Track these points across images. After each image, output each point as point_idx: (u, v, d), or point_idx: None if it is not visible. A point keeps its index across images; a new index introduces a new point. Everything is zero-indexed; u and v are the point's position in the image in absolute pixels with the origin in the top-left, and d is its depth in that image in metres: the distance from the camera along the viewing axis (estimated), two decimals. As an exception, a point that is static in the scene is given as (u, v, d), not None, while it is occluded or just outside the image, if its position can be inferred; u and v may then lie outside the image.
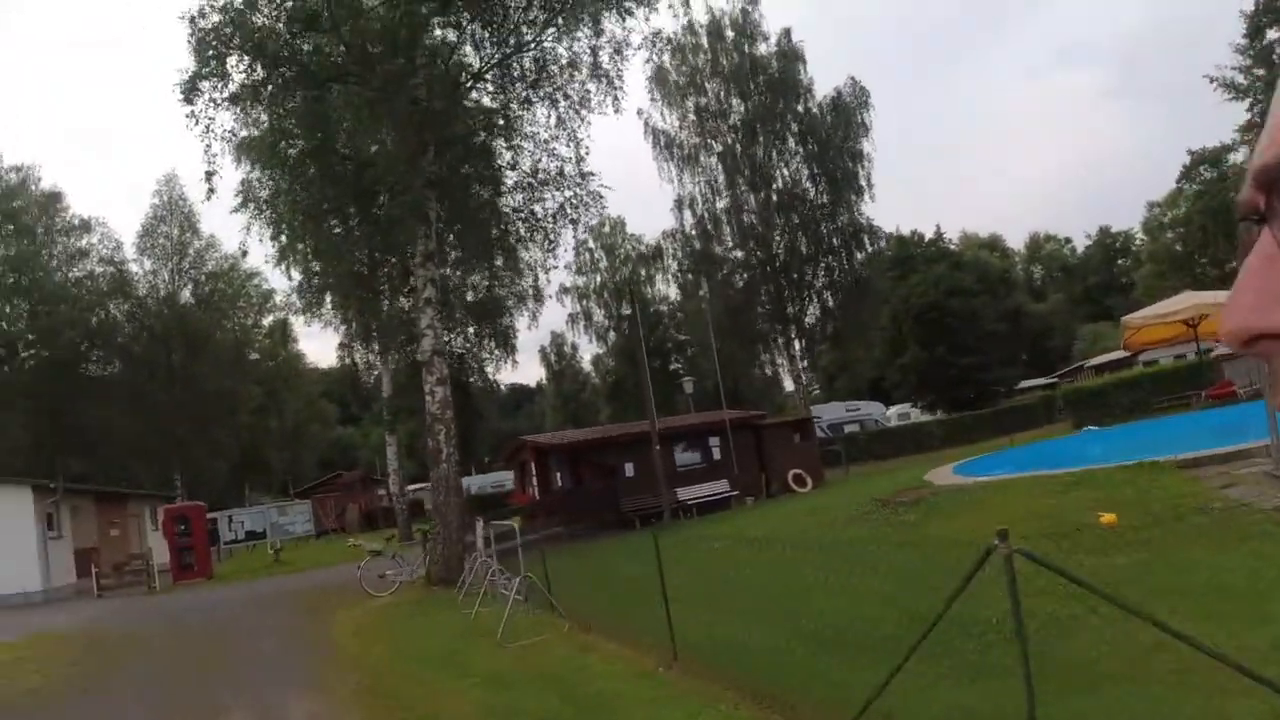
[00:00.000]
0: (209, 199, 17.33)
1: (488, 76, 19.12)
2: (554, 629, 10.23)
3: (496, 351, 33.55)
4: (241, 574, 27.03)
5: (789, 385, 43.72)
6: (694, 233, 39.76)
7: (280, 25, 17.37)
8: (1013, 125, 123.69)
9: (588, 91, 18.88)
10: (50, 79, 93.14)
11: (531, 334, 63.04)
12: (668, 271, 51.09)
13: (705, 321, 33.11)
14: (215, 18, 16.83)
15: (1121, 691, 5.50)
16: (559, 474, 25.10)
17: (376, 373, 35.91)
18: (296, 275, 32.41)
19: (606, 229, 52.80)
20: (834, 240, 38.41)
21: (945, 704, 5.90)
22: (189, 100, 16.85)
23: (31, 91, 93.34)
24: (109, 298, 46.80)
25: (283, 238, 26.97)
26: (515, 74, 18.77)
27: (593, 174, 19.00)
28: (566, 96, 18.69)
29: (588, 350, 62.47)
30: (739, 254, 39.47)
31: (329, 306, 32.72)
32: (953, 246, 68.03)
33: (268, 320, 52.86)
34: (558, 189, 19.10)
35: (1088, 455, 17.03)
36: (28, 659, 13.12)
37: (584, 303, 55.40)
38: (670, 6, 31.26)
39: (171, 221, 47.63)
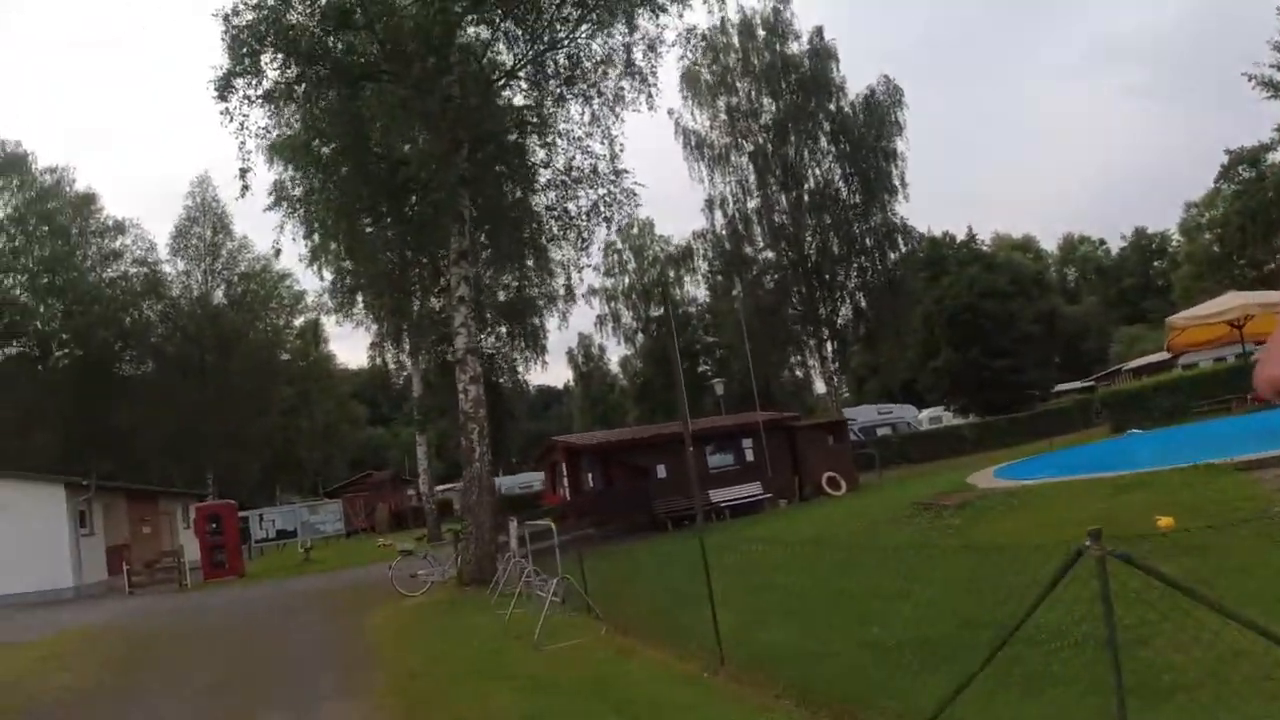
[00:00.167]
0: (243, 196, 17.33)
1: (521, 74, 18.98)
2: (591, 632, 10.00)
3: (526, 352, 33.55)
4: (272, 572, 27.08)
5: (819, 387, 43.32)
6: (725, 233, 39.50)
7: (313, 23, 17.33)
8: (1046, 124, 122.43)
9: (621, 88, 18.70)
10: (80, 80, 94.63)
11: (560, 335, 62.96)
12: (697, 273, 50.84)
13: (737, 322, 32.76)
14: (249, 15, 16.83)
15: (1206, 699, 5.18)
16: (590, 475, 24.91)
17: (407, 373, 35.97)
18: (328, 275, 32.61)
19: (635, 230, 52.68)
20: (866, 240, 37.97)
21: (1012, 716, 5.60)
22: (223, 97, 16.85)
23: (63, 91, 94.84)
24: (142, 298, 47.31)
25: (315, 237, 27.07)
26: (549, 71, 18.62)
27: (626, 171, 18.83)
28: (600, 93, 18.52)
29: (615, 352, 62.38)
30: (770, 254, 39.15)
31: (360, 306, 32.82)
32: (985, 248, 67.25)
33: (299, 321, 53.26)
34: (591, 187, 18.95)
35: (1134, 459, 16.53)
36: (58, 656, 13.10)
37: (612, 304, 55.29)
38: (705, 2, 30.93)
39: (204, 223, 48.09)
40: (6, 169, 44.92)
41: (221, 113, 16.92)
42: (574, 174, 18.93)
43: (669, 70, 40.50)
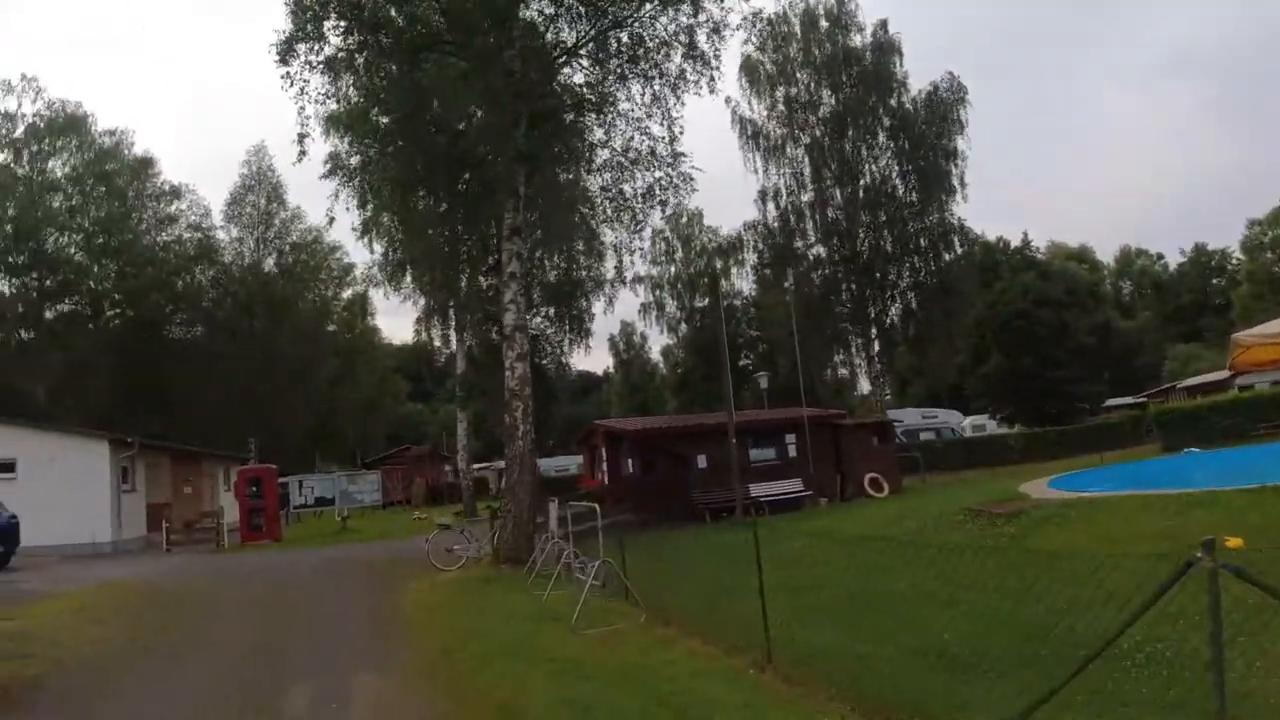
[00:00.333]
0: (300, 161, 17.27)
1: (583, 51, 18.71)
2: (629, 618, 9.76)
3: (570, 334, 33.40)
4: (309, 539, 27.25)
5: (863, 387, 42.65)
6: (776, 225, 38.93)
7: (378, -10, 17.20)
8: (1107, 132, 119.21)
9: (683, 69, 18.35)
10: (161, 47, 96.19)
11: (603, 321, 62.78)
12: (745, 265, 50.25)
13: (786, 316, 32.25)
14: (313, -21, 16.71)
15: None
16: (630, 461, 24.68)
17: (451, 350, 36.00)
18: (379, 248, 32.69)
19: (684, 219, 52.18)
20: (921, 240, 37.20)
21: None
22: (284, 61, 16.77)
23: (125, 50, 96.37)
24: (195, 263, 48.03)
25: (368, 208, 27.08)
26: (611, 49, 18.32)
27: (684, 155, 18.49)
28: (662, 74, 18.17)
29: (657, 341, 62.02)
30: (821, 250, 38.55)
31: (409, 280, 32.89)
32: (1039, 255, 65.85)
33: (347, 294, 53.70)
34: (647, 169, 18.63)
35: (1193, 477, 16.07)
36: (92, 610, 13.18)
37: (657, 293, 54.88)
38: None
39: (259, 191, 48.70)
40: (67, 129, 45.68)
41: (282, 77, 16.89)
42: (631, 155, 18.65)
43: (728, 58, 40.00)
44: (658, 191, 18.77)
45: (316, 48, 17.08)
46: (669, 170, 18.50)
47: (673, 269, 55.08)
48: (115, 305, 47.07)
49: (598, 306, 33.50)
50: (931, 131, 36.59)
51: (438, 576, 15.09)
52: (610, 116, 18.50)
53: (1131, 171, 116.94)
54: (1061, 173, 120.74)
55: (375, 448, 53.11)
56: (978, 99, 39.66)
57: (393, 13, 17.47)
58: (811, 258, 39.04)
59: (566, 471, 44.97)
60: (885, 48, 37.56)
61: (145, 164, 47.82)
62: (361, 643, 10.15)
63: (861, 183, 37.65)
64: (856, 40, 37.89)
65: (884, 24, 37.63)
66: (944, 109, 36.78)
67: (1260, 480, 12.23)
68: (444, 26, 17.40)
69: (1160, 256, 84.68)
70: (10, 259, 43.53)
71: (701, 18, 18.18)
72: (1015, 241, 62.58)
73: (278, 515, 29.26)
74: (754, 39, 33.87)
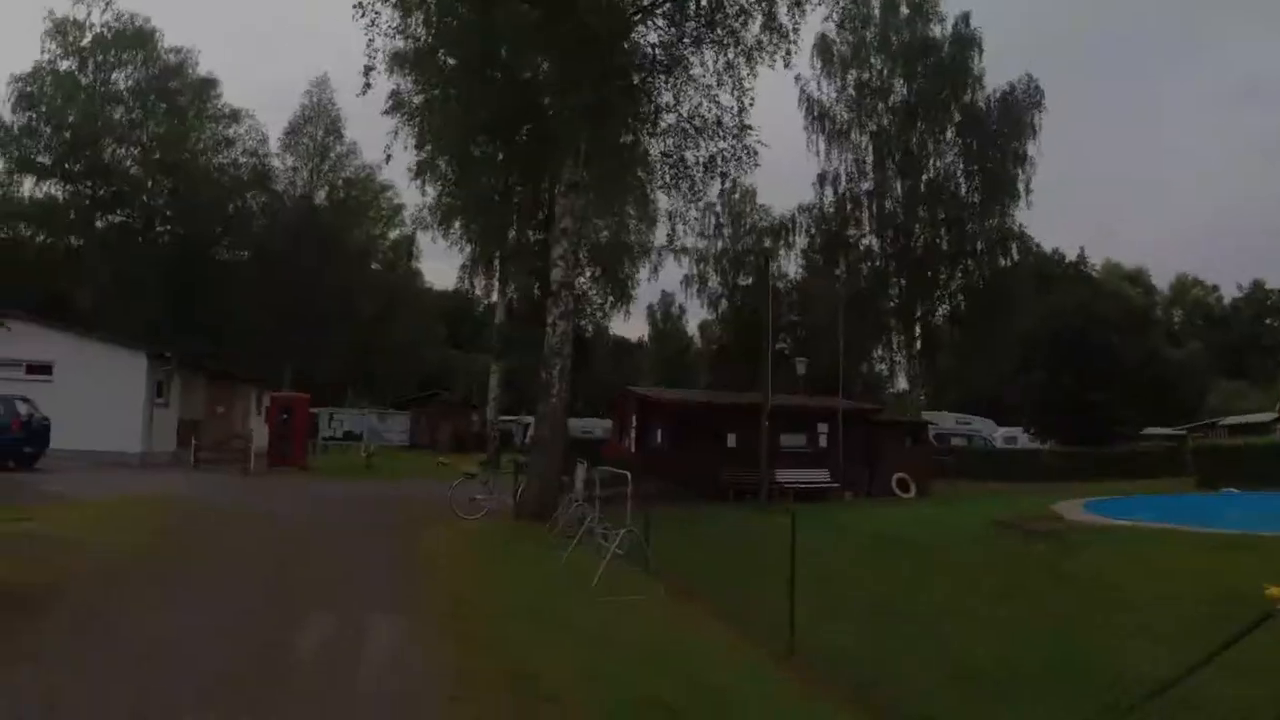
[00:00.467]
0: (364, 93, 17.09)
1: (659, 11, 18.29)
2: (649, 590, 9.61)
3: (611, 298, 33.17)
4: (333, 471, 27.44)
5: (899, 384, 42.02)
6: (831, 211, 38.33)
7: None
8: (1176, 156, 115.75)
9: (760, 40, 17.86)
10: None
11: (646, 287, 62.37)
12: (794, 248, 49.59)
13: (834, 305, 31.74)
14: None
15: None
16: (660, 432, 24.48)
17: (491, 300, 35.90)
18: (431, 191, 32.52)
19: (738, 195, 51.48)
20: (978, 243, 36.47)
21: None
22: (357, -11, 16.57)
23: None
24: (248, 188, 48.21)
25: (426, 149, 26.93)
26: (689, 11, 17.88)
27: (751, 128, 18.03)
28: (738, 42, 17.71)
29: (695, 315, 61.54)
30: (874, 241, 37.93)
31: (457, 227, 32.75)
32: (1095, 272, 64.38)
33: (394, 234, 53.71)
34: (712, 138, 18.19)
35: (1228, 517, 15.70)
36: (112, 517, 13.30)
37: (701, 266, 54.30)
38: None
39: (318, 123, 48.67)
40: (134, 43, 45.83)
41: (355, 5, 16.71)
42: (696, 122, 18.20)
43: (805, 33, 39.19)
44: (720, 162, 18.34)
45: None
46: (734, 142, 18.08)
47: (720, 244, 54.45)
48: (166, 222, 47.42)
49: (643, 273, 33.22)
50: (1002, 133, 35.73)
51: (459, 524, 15.06)
52: (680, 80, 18.05)
53: (1198, 199, 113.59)
54: (1125, 190, 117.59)
55: (407, 389, 53.35)
56: (1051, 103, 38.30)
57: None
58: (863, 248, 38.46)
59: (591, 434, 44.92)
60: (965, 41, 36.66)
61: (208, 85, 47.92)
62: (382, 581, 10.09)
63: (924, 177, 36.99)
64: (936, 30, 37.10)
65: (966, 17, 36.78)
66: (1018, 111, 35.92)
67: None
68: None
69: (1215, 288, 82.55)
70: (66, 165, 43.92)
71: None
72: (1070, 255, 61.32)
73: (305, 443, 29.54)
74: (835, 16, 33.09)
